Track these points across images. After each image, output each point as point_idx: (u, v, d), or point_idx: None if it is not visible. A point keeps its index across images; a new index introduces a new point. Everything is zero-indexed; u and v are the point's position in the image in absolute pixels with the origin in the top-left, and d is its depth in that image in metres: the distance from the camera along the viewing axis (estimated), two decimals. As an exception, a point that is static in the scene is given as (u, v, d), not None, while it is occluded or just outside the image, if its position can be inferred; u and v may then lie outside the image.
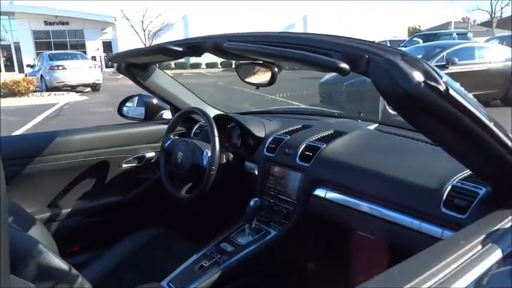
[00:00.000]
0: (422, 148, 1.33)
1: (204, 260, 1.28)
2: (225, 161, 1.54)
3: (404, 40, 16.45)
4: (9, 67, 25.38)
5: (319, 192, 1.31)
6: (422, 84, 0.65)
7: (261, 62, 1.14)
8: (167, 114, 1.96)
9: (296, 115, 1.96)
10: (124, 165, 1.76)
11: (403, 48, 9.60)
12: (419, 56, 7.41)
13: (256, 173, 1.54)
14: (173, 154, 1.58)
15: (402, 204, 1.10)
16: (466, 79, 6.80)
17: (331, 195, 1.27)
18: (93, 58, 19.76)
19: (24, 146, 1.51)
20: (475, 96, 0.78)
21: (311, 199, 1.33)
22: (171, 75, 1.88)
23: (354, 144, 1.39)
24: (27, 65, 15.85)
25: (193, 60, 23.86)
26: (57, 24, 25.44)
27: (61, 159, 1.56)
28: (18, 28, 25.15)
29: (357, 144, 1.40)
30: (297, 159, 1.39)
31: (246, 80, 1.25)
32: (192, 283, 1.19)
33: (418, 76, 0.65)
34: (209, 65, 23.45)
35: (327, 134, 1.48)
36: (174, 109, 1.81)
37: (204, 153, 1.47)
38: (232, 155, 1.54)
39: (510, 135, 0.79)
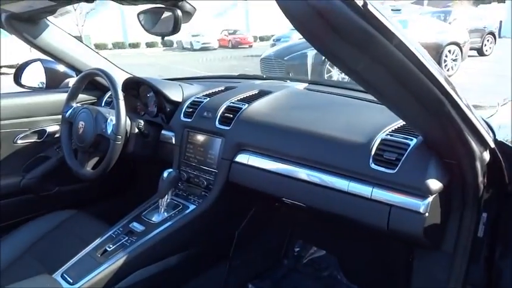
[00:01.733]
0: (352, 104, 1.21)
1: (109, 244, 1.09)
2: (136, 130, 1.33)
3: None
4: None
5: (241, 158, 1.15)
6: None
7: (162, 6, 0.99)
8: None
9: (221, 79, 1.78)
10: (20, 141, 1.50)
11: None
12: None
13: (174, 142, 1.36)
14: (75, 124, 1.35)
15: (328, 163, 0.97)
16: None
17: (254, 160, 1.12)
18: None
19: None
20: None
21: (233, 166, 1.17)
22: (105, 56, 1.63)
23: (279, 103, 1.25)
24: None
25: (132, 39, 22.72)
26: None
27: None
28: None
29: (282, 103, 1.25)
30: (217, 122, 1.22)
31: (151, 30, 1.10)
32: (91, 272, 1.00)
33: None
34: (149, 45, 22.46)
35: (250, 94, 1.32)
36: (79, 74, 1.56)
37: (108, 120, 1.26)
38: (143, 122, 1.34)
39: (445, 74, 0.67)
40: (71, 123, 1.38)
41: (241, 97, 1.29)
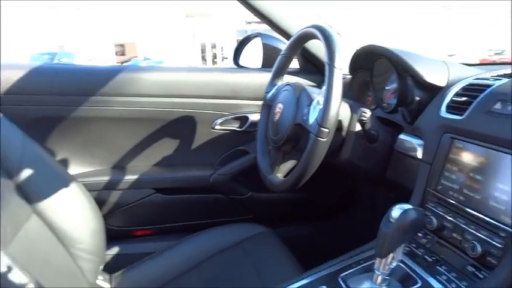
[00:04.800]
0: None
1: None
2: (357, 127, 0.81)
3: None
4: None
5: None
6: None
7: None
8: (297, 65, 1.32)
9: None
10: (218, 127, 1.22)
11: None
12: None
13: (420, 156, 0.76)
14: (272, 108, 0.94)
15: None
16: None
17: None
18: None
19: (70, 79, 1.10)
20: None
21: None
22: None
23: None
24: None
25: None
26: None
27: (123, 104, 1.12)
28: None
29: None
30: None
31: None
32: None
33: None
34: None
35: None
36: None
37: (314, 102, 0.78)
38: (369, 113, 0.80)
39: None
40: (270, 108, 0.98)
41: None
